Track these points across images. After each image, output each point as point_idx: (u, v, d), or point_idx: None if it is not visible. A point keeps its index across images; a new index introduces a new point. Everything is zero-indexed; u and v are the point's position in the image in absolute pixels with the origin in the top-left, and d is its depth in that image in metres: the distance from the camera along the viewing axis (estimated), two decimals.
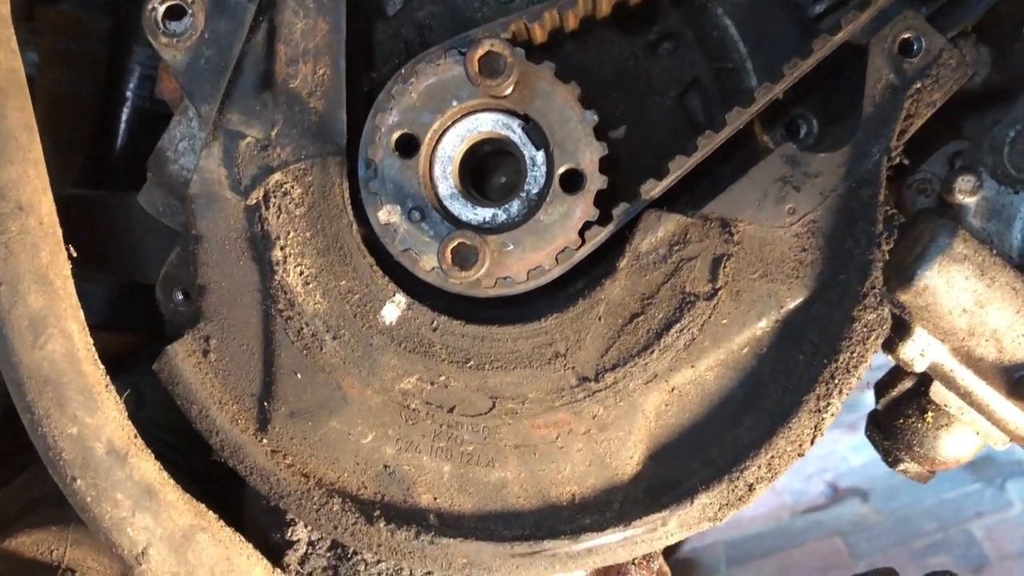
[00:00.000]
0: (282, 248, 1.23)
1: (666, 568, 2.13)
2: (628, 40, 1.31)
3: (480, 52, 1.12)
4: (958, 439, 1.35)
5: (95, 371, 1.18)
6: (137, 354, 1.97)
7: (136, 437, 1.20)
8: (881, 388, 1.41)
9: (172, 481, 1.21)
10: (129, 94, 1.90)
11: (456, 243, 1.14)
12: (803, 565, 3.83)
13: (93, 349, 1.19)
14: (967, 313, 1.19)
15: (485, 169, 1.35)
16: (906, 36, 1.18)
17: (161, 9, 1.22)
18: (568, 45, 1.30)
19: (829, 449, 4.05)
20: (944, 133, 1.37)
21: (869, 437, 1.44)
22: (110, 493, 1.16)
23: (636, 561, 1.40)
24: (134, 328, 1.82)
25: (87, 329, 1.19)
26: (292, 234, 1.24)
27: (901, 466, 1.40)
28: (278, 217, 1.23)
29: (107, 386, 1.19)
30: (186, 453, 1.70)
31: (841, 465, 4.03)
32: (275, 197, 1.23)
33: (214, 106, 1.23)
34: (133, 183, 1.43)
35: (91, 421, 1.16)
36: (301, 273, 1.24)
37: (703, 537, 3.84)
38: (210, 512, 1.23)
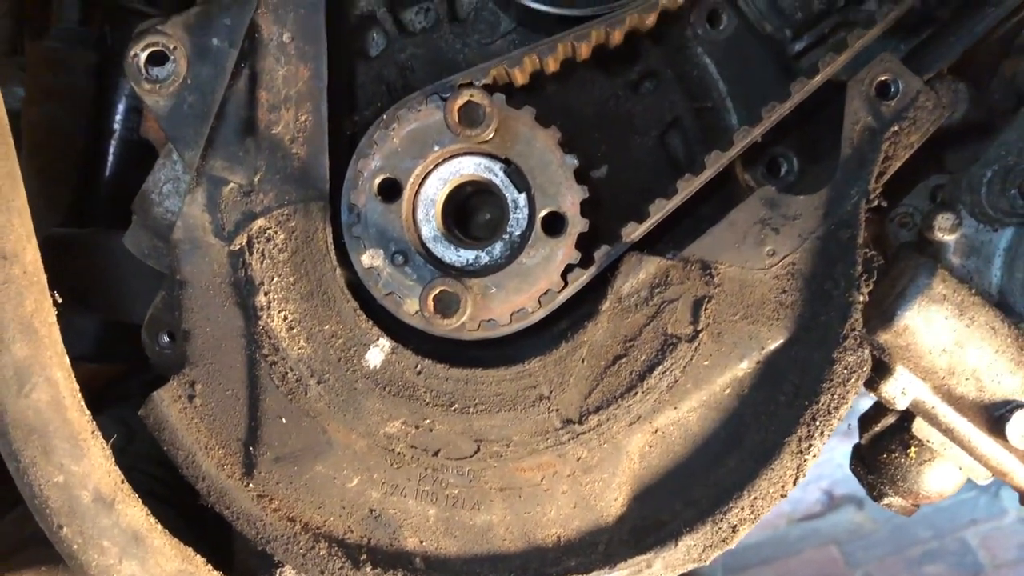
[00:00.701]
0: (266, 293, 1.24)
1: None
2: (609, 80, 1.32)
3: (460, 102, 1.13)
4: (941, 474, 1.35)
5: (81, 418, 1.18)
6: (127, 384, 1.98)
7: (123, 483, 1.21)
8: (865, 422, 1.42)
9: (159, 526, 1.21)
10: (116, 126, 1.90)
11: (438, 291, 1.15)
12: (799, 573, 3.83)
13: (79, 395, 1.20)
14: (947, 353, 1.20)
15: (468, 208, 1.36)
16: (883, 78, 1.19)
17: (143, 55, 1.23)
18: (550, 86, 1.31)
19: (825, 456, 4.01)
20: (926, 166, 1.38)
21: (853, 471, 1.45)
22: (97, 540, 1.17)
23: None
24: (124, 358, 1.82)
25: (73, 376, 1.19)
26: (276, 279, 1.24)
27: (885, 500, 1.40)
28: (262, 263, 1.24)
29: (93, 432, 1.19)
30: (176, 488, 1.70)
31: (837, 472, 4.03)
32: (258, 243, 1.24)
33: (197, 151, 1.24)
34: (121, 217, 1.44)
35: (77, 469, 1.17)
36: (285, 318, 1.24)
37: None
38: (198, 556, 1.24)
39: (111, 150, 1.91)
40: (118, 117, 1.89)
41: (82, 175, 1.89)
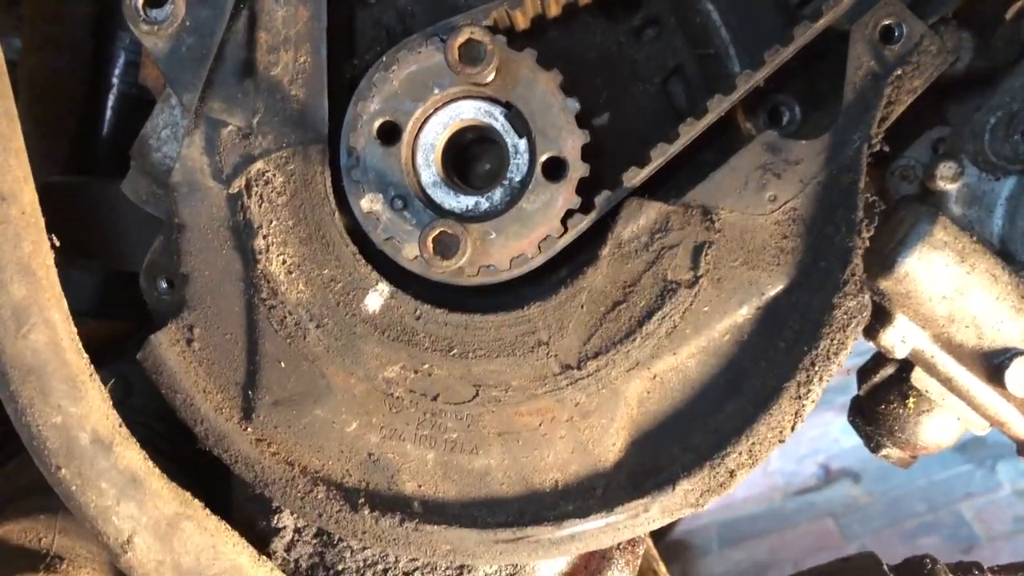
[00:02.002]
0: (264, 237, 1.23)
1: (654, 551, 2.15)
2: (611, 26, 1.31)
3: (460, 40, 1.11)
4: (939, 424, 1.36)
5: (79, 360, 1.18)
6: (125, 342, 1.98)
7: (121, 426, 1.21)
8: (863, 374, 1.42)
9: (157, 470, 1.22)
10: (115, 80, 1.89)
11: (437, 232, 1.14)
12: (795, 546, 3.85)
13: (77, 338, 1.19)
14: (947, 300, 1.19)
15: (469, 157, 1.35)
16: (887, 23, 1.18)
17: None
18: (551, 31, 1.30)
19: (821, 431, 4.07)
20: (928, 119, 1.37)
21: (852, 423, 1.45)
22: (95, 482, 1.17)
23: (620, 546, 1.41)
24: (122, 315, 1.82)
25: (70, 318, 1.19)
26: (274, 223, 1.23)
27: (883, 451, 1.40)
28: (260, 206, 1.23)
29: (91, 375, 1.19)
30: (174, 441, 1.70)
31: (833, 447, 4.04)
32: (257, 186, 1.23)
33: (195, 94, 1.23)
34: (119, 170, 1.43)
35: (75, 410, 1.16)
36: (284, 262, 1.24)
37: (696, 518, 3.86)
38: (196, 500, 1.24)
39: (109, 104, 1.90)
40: (117, 71, 1.88)
41: (80, 127, 1.88)
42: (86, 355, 1.20)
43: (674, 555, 3.78)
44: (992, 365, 1.21)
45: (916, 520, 3.84)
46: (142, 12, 1.21)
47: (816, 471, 4.03)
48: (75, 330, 1.19)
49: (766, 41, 1.21)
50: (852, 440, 3.98)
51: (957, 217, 1.23)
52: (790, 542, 3.86)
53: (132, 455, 1.19)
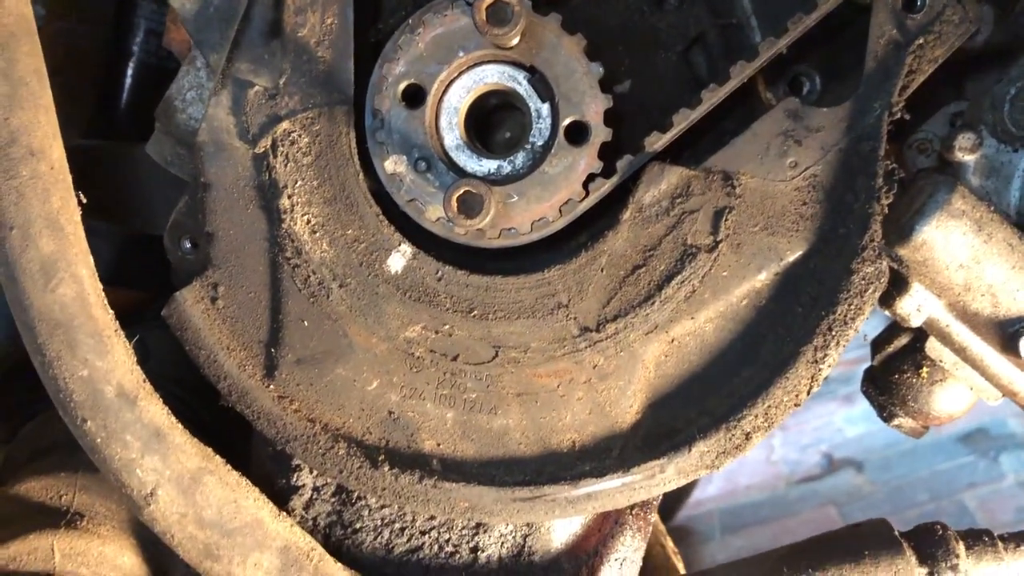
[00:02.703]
0: (289, 196, 1.24)
1: (661, 525, 2.17)
2: None
3: (488, 0, 1.12)
4: (952, 394, 1.37)
5: (105, 315, 1.20)
6: (141, 309, 1.99)
7: (145, 382, 1.22)
8: (877, 345, 1.43)
9: (180, 425, 1.23)
10: (135, 48, 1.90)
11: (462, 191, 1.16)
12: (797, 534, 3.83)
13: (103, 294, 1.21)
14: (963, 268, 1.21)
15: (491, 124, 1.36)
16: None
17: None
18: None
19: (825, 420, 4.08)
20: (946, 93, 1.38)
21: (865, 392, 1.46)
22: (120, 435, 1.18)
23: (633, 512, 1.43)
24: (138, 284, 1.83)
25: (96, 274, 1.21)
26: (299, 183, 1.25)
27: (895, 421, 1.42)
28: (286, 166, 1.24)
29: (116, 331, 1.21)
30: (192, 405, 1.72)
31: (837, 436, 4.05)
32: (283, 146, 1.24)
33: (223, 55, 1.24)
34: (138, 136, 1.44)
35: (101, 364, 1.18)
36: (308, 222, 1.25)
37: (698, 505, 3.87)
38: (217, 456, 1.25)
39: (129, 72, 1.91)
40: (137, 39, 1.89)
41: (100, 95, 1.89)
42: (111, 311, 1.21)
43: (676, 540, 3.78)
44: (1007, 334, 1.23)
45: (918, 510, 3.85)
46: None
47: (819, 460, 4.04)
48: (100, 286, 1.21)
49: (787, 12, 1.22)
50: (855, 430, 4.00)
51: (975, 188, 1.24)
52: (792, 530, 3.87)
53: (156, 409, 1.21)
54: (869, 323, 1.26)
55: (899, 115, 1.20)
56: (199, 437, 1.43)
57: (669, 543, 2.14)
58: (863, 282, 1.19)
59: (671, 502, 3.32)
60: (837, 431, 4.08)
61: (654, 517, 1.53)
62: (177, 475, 1.21)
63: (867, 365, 1.47)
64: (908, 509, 3.86)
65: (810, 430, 4.08)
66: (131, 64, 1.91)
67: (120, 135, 1.91)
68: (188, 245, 1.34)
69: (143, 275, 1.82)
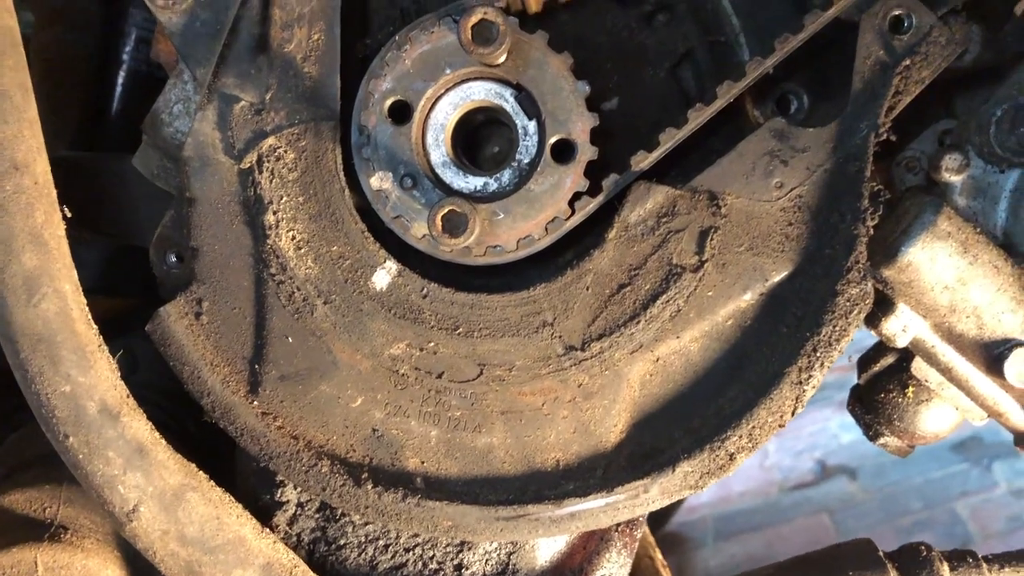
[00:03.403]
0: (275, 212, 1.24)
1: (651, 538, 2.16)
2: (623, 11, 1.31)
3: (473, 20, 1.12)
4: (938, 414, 1.37)
5: (88, 331, 1.19)
6: (130, 318, 1.99)
7: (128, 397, 1.21)
8: (864, 363, 1.43)
9: (163, 441, 1.22)
10: (125, 57, 1.90)
11: (447, 210, 1.15)
12: (790, 541, 3.86)
13: (86, 309, 1.20)
14: (949, 290, 1.20)
15: (478, 140, 1.36)
16: (896, 13, 1.19)
17: None
18: (563, 15, 1.30)
19: (819, 427, 4.09)
20: (935, 111, 1.38)
21: (851, 411, 1.46)
22: (102, 451, 1.18)
23: (619, 529, 1.43)
24: (126, 292, 1.83)
25: (80, 289, 1.20)
26: (285, 199, 1.24)
27: (881, 440, 1.42)
28: (271, 181, 1.24)
29: (100, 346, 1.20)
30: (179, 417, 1.72)
31: (831, 443, 4.06)
32: (268, 161, 1.24)
33: (209, 69, 1.23)
34: (128, 146, 1.44)
35: (84, 380, 1.17)
36: (293, 238, 1.25)
37: (691, 512, 3.87)
38: (200, 472, 1.25)
39: (119, 81, 1.90)
40: (127, 47, 1.89)
41: (90, 104, 1.89)
42: (95, 326, 1.21)
43: (669, 547, 3.80)
44: (992, 356, 1.22)
45: (911, 517, 3.85)
46: None
47: (813, 467, 4.05)
48: (84, 300, 1.20)
49: (777, 30, 1.22)
50: (849, 436, 4.01)
51: (961, 208, 1.24)
52: (785, 537, 3.87)
53: (139, 425, 1.20)
54: (857, 339, 1.26)
55: (885, 136, 1.20)
56: (185, 449, 1.42)
57: (658, 556, 2.13)
58: (848, 303, 1.19)
59: (664, 508, 3.31)
60: (832, 437, 4.08)
61: (640, 533, 1.53)
62: (159, 491, 1.20)
63: (856, 361, 1.47)
64: (901, 517, 3.87)
65: (805, 436, 4.09)
66: (121, 72, 1.91)
67: (110, 144, 1.91)
68: (174, 259, 1.34)
69: (132, 282, 1.82)
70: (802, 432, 4.09)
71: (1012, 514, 3.80)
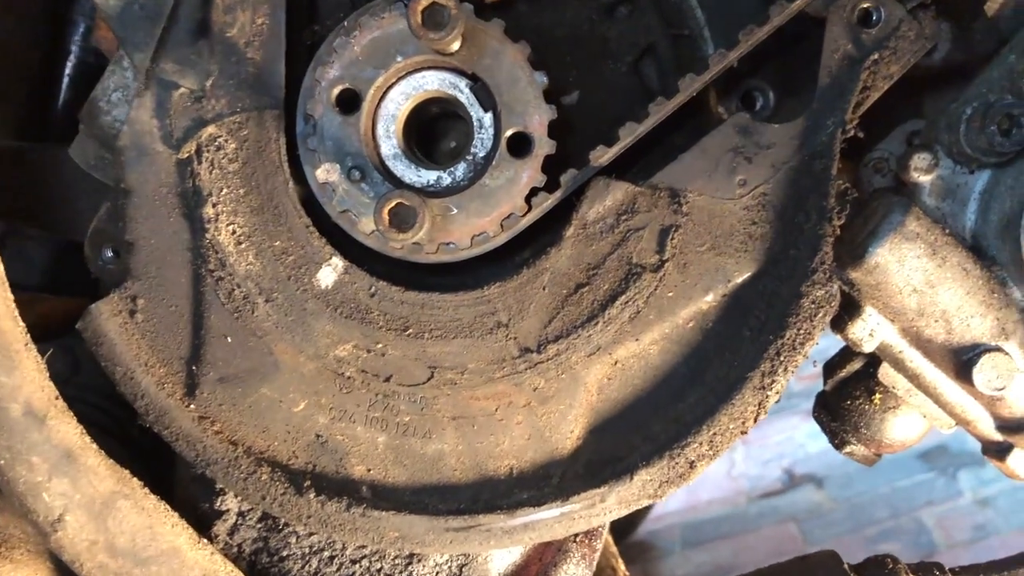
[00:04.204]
0: (214, 205, 1.18)
1: (613, 548, 2.11)
2: (584, 2, 1.27)
3: (424, 3, 1.07)
4: (905, 422, 1.33)
5: (13, 328, 1.13)
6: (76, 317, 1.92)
7: (57, 399, 1.15)
8: (830, 369, 1.39)
9: (94, 445, 1.16)
10: (73, 47, 1.83)
11: (394, 203, 1.10)
12: (758, 549, 3.86)
13: (12, 306, 1.14)
14: (917, 292, 1.17)
15: (435, 133, 1.31)
16: (865, 6, 1.15)
17: None
18: (521, 5, 1.26)
19: (787, 436, 4.09)
20: (904, 111, 1.35)
21: (816, 418, 1.42)
22: (26, 456, 1.11)
23: (577, 539, 1.38)
24: (75, 290, 1.76)
25: (7, 285, 1.13)
26: (225, 191, 1.18)
27: (848, 448, 1.38)
28: (211, 172, 1.18)
29: (27, 344, 1.14)
30: (121, 420, 1.65)
31: (798, 452, 4.06)
32: (208, 151, 1.18)
33: (148, 54, 1.18)
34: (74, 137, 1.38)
35: (7, 380, 1.11)
36: (233, 232, 1.19)
37: (659, 520, 3.86)
38: (134, 479, 1.19)
39: (67, 71, 1.84)
40: (75, 37, 1.82)
41: (35, 94, 1.82)
42: (22, 323, 1.14)
43: (637, 555, 3.78)
44: (960, 361, 1.19)
45: (878, 527, 3.86)
46: None
47: (780, 476, 4.05)
48: (11, 298, 1.14)
49: (741, 23, 1.18)
50: (817, 445, 4.00)
51: (931, 209, 1.20)
52: (753, 545, 3.87)
53: (67, 429, 1.14)
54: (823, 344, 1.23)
55: (853, 133, 1.16)
56: (127, 454, 1.35)
57: (621, 567, 2.08)
58: (813, 306, 1.14)
59: (631, 516, 3.29)
60: (799, 446, 4.09)
61: (601, 543, 1.48)
62: (88, 499, 1.14)
63: (822, 366, 1.43)
64: (867, 526, 3.87)
65: (772, 444, 4.08)
66: (69, 62, 1.84)
67: (57, 136, 1.84)
68: (110, 254, 1.27)
69: (82, 281, 1.75)
70: (769, 441, 4.08)
71: (977, 523, 3.82)
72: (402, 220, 1.10)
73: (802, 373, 1.19)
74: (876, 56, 1.15)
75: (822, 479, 3.99)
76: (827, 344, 1.29)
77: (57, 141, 1.82)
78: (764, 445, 4.08)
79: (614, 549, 2.15)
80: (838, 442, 1.39)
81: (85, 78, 1.84)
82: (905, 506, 3.89)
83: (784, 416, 4.02)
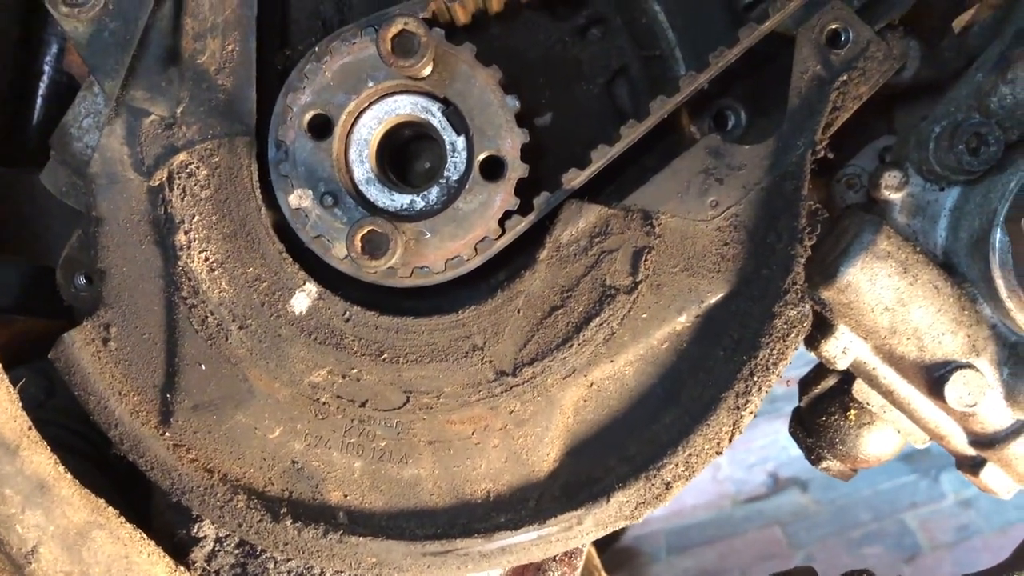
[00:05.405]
0: (186, 232, 1.17)
1: (596, 560, 2.11)
2: (556, 24, 1.28)
3: (393, 31, 1.07)
4: (880, 437, 1.34)
5: None
6: (52, 340, 1.90)
7: (30, 429, 1.14)
8: (805, 385, 1.40)
9: (68, 475, 1.15)
10: (46, 68, 1.81)
11: (367, 230, 1.10)
12: (743, 553, 3.86)
13: None
14: (889, 311, 1.17)
15: (408, 154, 1.31)
16: (834, 27, 1.16)
17: None
18: (494, 27, 1.26)
19: (771, 439, 4.09)
20: (876, 127, 1.36)
21: (792, 434, 1.43)
22: None
23: (557, 558, 1.37)
24: (49, 312, 1.75)
25: None
26: (197, 218, 1.18)
27: (823, 464, 1.38)
28: (183, 199, 1.17)
29: None
30: (96, 444, 1.64)
31: (782, 455, 4.07)
32: (179, 178, 1.17)
33: (118, 81, 1.17)
34: (48, 160, 1.37)
35: None
36: (206, 259, 1.18)
37: (644, 525, 3.85)
38: (109, 508, 1.18)
39: (40, 93, 1.82)
40: (48, 59, 1.80)
41: (7, 116, 1.80)
42: None
43: (622, 562, 3.78)
44: (932, 378, 1.19)
45: (861, 529, 3.87)
46: None
47: (765, 479, 4.05)
48: None
49: (713, 44, 1.18)
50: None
51: (901, 227, 1.21)
52: (738, 550, 3.87)
53: (40, 459, 1.13)
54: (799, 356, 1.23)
55: (823, 154, 1.17)
56: (102, 478, 1.34)
57: None
58: (786, 326, 1.15)
59: None
60: (782, 449, 4.09)
61: (581, 561, 1.48)
62: (62, 530, 1.13)
63: (797, 383, 1.44)
64: (851, 529, 3.88)
65: (756, 449, 4.09)
66: (42, 83, 1.82)
67: (30, 157, 1.82)
68: (83, 281, 1.27)
69: (55, 302, 1.74)
70: (754, 445, 4.09)
71: (960, 524, 3.84)
72: (375, 247, 1.10)
73: (786, 375, 1.19)
74: (845, 77, 1.16)
75: (806, 482, 4.00)
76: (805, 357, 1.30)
77: (31, 161, 1.81)
78: (748, 449, 4.09)
79: (597, 562, 2.15)
80: (814, 458, 1.40)
81: (58, 97, 1.82)
82: (888, 508, 3.91)
83: (768, 420, 4.03)
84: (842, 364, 1.23)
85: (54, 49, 1.80)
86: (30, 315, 1.78)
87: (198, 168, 1.18)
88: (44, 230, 1.50)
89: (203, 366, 1.18)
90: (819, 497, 3.95)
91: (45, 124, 1.83)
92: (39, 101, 1.82)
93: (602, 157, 1.16)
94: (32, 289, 1.76)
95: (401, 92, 1.18)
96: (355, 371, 1.18)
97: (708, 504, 3.97)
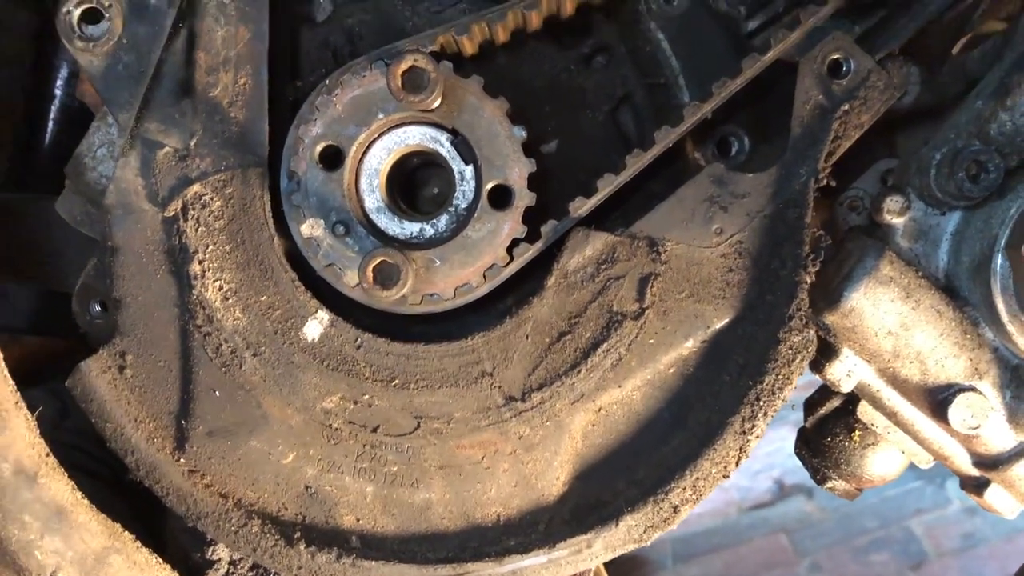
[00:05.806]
0: (200, 262, 1.19)
1: (604, 573, 2.12)
2: (561, 53, 1.30)
3: (403, 67, 1.09)
4: (884, 458, 1.35)
5: (3, 388, 1.13)
6: (64, 359, 1.92)
7: (48, 456, 1.16)
8: (810, 406, 1.41)
9: (85, 501, 1.17)
10: (57, 91, 1.84)
11: (378, 261, 1.12)
12: (749, 561, 3.86)
13: (2, 364, 1.15)
14: (892, 335, 1.19)
15: (417, 181, 1.32)
16: (835, 57, 1.18)
17: (76, 12, 1.17)
18: (500, 57, 1.28)
19: (776, 446, 4.09)
20: (877, 150, 1.37)
21: (798, 454, 1.44)
22: (17, 515, 1.12)
23: None
24: (61, 332, 1.77)
25: None
26: (211, 247, 1.20)
27: (829, 483, 1.40)
28: (197, 230, 1.19)
29: (17, 403, 1.14)
30: (111, 465, 1.65)
31: (788, 462, 4.06)
32: (194, 209, 1.19)
33: (132, 114, 1.19)
34: (61, 184, 1.39)
35: None
36: (220, 288, 1.20)
37: None
38: (125, 532, 1.20)
39: (51, 116, 1.84)
40: (59, 82, 1.83)
41: (20, 142, 1.82)
42: (11, 382, 1.15)
43: (628, 571, 3.78)
44: (936, 401, 1.21)
45: (867, 536, 3.87)
46: (77, 28, 1.18)
47: (771, 486, 4.05)
48: (0, 355, 1.15)
49: (716, 72, 1.20)
50: None
51: (904, 251, 1.22)
52: (744, 557, 3.87)
53: (58, 486, 1.15)
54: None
55: (825, 182, 1.19)
56: (117, 500, 1.36)
57: None
58: (791, 351, 1.17)
59: None
60: (788, 456, 4.07)
61: None
62: (80, 556, 1.15)
63: (803, 404, 1.45)
64: (857, 536, 3.88)
65: (762, 455, 4.09)
66: (54, 107, 1.85)
67: (42, 181, 1.85)
68: (98, 309, 1.29)
69: (66, 323, 1.76)
70: (759, 452, 4.08)
71: (966, 531, 3.83)
72: (386, 277, 1.12)
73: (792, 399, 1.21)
74: (847, 107, 1.18)
75: (812, 489, 4.00)
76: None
77: (44, 185, 1.83)
78: (754, 456, 4.06)
79: (603, 572, 2.16)
80: (819, 477, 1.41)
81: (70, 121, 1.85)
82: (894, 515, 3.90)
83: (774, 427, 4.00)
84: (846, 387, 1.25)
85: (65, 73, 1.82)
86: (43, 335, 1.80)
87: (212, 199, 1.20)
88: (58, 256, 1.51)
89: (217, 393, 1.20)
90: (824, 504, 3.95)
91: (56, 147, 1.85)
92: (50, 124, 1.85)
93: (608, 186, 1.18)
94: (45, 310, 1.78)
95: (410, 123, 1.20)
96: (367, 397, 1.20)
97: (714, 511, 3.97)
